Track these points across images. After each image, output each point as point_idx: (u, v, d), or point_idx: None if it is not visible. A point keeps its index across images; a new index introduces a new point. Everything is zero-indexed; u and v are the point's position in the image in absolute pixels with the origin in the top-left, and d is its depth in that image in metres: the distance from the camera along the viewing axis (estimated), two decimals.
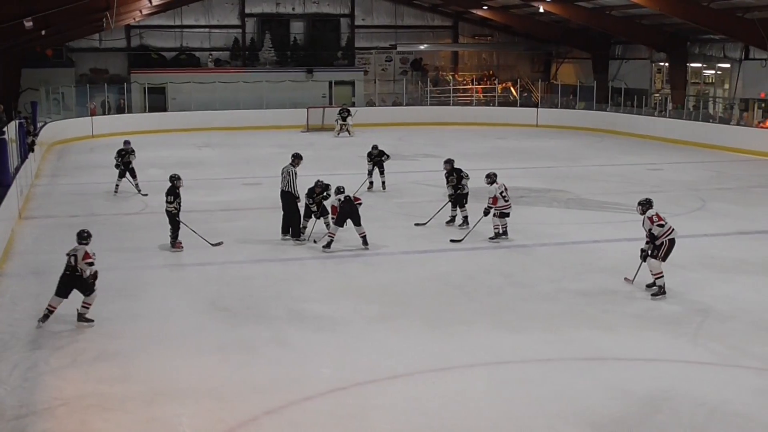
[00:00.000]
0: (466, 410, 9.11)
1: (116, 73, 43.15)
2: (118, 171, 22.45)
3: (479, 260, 15.60)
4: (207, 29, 45.23)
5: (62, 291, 11.95)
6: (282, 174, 17.21)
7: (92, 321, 12.00)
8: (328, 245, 16.11)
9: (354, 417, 9.03)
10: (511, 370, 10.34)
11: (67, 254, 12.06)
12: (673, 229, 13.15)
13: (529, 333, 11.57)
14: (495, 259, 15.68)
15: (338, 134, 37.14)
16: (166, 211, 16.17)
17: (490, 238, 16.81)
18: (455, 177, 17.88)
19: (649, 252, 13.14)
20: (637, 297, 13.15)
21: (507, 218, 16.88)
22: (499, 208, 16.68)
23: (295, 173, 17.16)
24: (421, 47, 47.48)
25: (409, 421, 8.89)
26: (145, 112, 40.52)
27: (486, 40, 48.91)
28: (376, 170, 22.53)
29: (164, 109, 41.25)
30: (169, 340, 11.43)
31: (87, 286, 11.95)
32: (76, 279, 11.94)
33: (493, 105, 44.21)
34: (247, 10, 45.60)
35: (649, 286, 13.32)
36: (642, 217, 13.33)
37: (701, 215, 19.57)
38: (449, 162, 18.20)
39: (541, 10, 37.99)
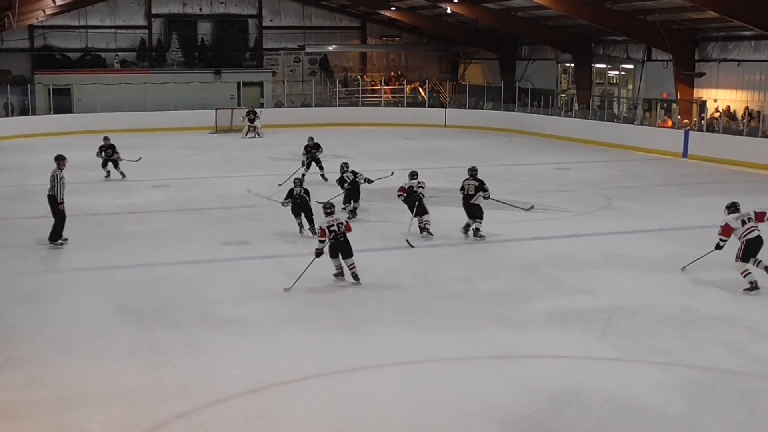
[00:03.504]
0: (378, 410, 9.16)
1: (19, 74, 41.93)
2: (102, 162, 25.16)
3: (391, 261, 15.68)
4: (113, 30, 44.34)
5: (332, 253, 13.83)
6: (50, 177, 16.68)
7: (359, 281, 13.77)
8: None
9: (266, 419, 9.00)
10: (423, 370, 10.41)
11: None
12: (751, 230, 13.37)
13: (441, 332, 11.67)
14: (406, 260, 15.77)
15: (246, 135, 36.90)
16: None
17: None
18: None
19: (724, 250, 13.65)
20: (546, 296, 13.38)
21: None
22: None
23: (62, 177, 16.71)
24: (330, 48, 47.38)
25: (321, 422, 8.90)
26: (50, 113, 39.57)
27: (394, 41, 49.09)
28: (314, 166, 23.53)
29: (70, 111, 40.34)
30: (78, 344, 11.23)
31: (347, 250, 13.78)
32: (339, 244, 13.75)
33: (402, 105, 44.43)
34: (154, 11, 44.87)
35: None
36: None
37: (607, 213, 20.01)
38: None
39: (449, 11, 38.31)
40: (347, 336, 11.56)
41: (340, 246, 13.74)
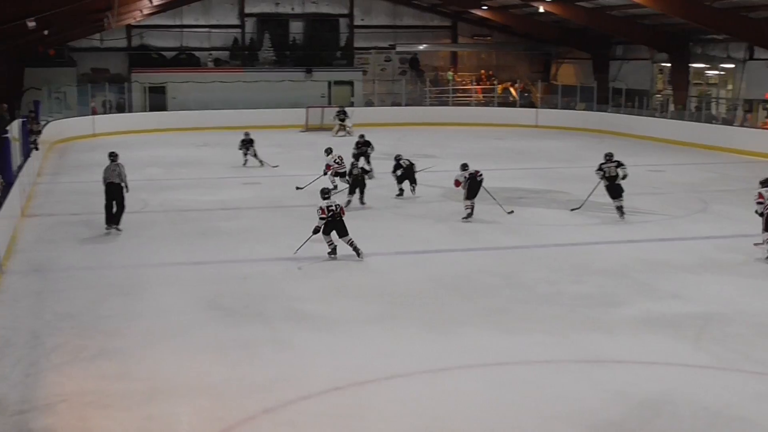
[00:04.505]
0: (462, 411, 9.06)
1: (117, 73, 43.14)
2: (242, 154, 27.51)
3: (476, 261, 15.55)
4: (207, 29, 45.19)
5: (326, 230, 15.33)
6: (112, 170, 17.72)
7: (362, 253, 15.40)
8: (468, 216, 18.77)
9: (351, 417, 9.00)
10: (508, 372, 10.28)
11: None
12: None
13: (527, 335, 11.50)
14: (492, 260, 15.62)
15: (336, 134, 37.09)
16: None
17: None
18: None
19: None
20: (637, 300, 13.08)
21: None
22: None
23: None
24: (420, 47, 47.40)
25: (404, 422, 8.85)
26: (145, 111, 40.62)
27: (485, 41, 48.81)
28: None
29: (164, 109, 41.24)
30: (168, 338, 11.43)
31: (341, 229, 15.31)
32: (335, 223, 15.32)
33: (493, 105, 44.13)
34: (247, 10, 45.55)
35: None
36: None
37: (703, 217, 19.50)
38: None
39: (541, 10, 37.91)
40: (432, 336, 11.48)
41: (335, 224, 15.27)
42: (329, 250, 15.47)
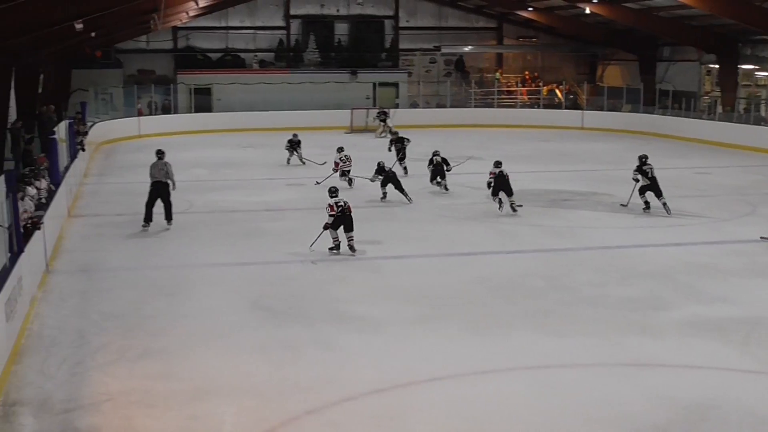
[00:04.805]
0: (505, 414, 9.03)
1: (163, 74, 43.42)
2: (288, 153, 28.36)
3: (521, 263, 15.46)
4: (252, 31, 45.35)
5: (334, 226, 15.74)
6: (160, 168, 18.06)
7: (356, 250, 15.80)
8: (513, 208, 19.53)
9: (394, 418, 9.01)
10: (552, 375, 10.22)
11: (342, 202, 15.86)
12: None
13: (572, 337, 11.43)
14: (537, 263, 15.53)
15: (380, 135, 37.09)
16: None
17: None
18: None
19: None
20: (683, 304, 12.93)
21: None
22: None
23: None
24: (465, 49, 47.20)
25: (448, 424, 8.85)
26: (191, 112, 40.89)
27: (530, 42, 48.51)
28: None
29: (209, 110, 41.49)
30: (212, 338, 11.51)
31: (349, 224, 15.75)
32: (344, 218, 15.75)
33: (538, 107, 43.87)
34: (292, 12, 45.67)
35: None
36: None
37: (751, 221, 19.19)
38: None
39: (587, 11, 37.59)
40: (476, 338, 11.44)
41: (344, 219, 15.71)
42: (332, 245, 15.85)
